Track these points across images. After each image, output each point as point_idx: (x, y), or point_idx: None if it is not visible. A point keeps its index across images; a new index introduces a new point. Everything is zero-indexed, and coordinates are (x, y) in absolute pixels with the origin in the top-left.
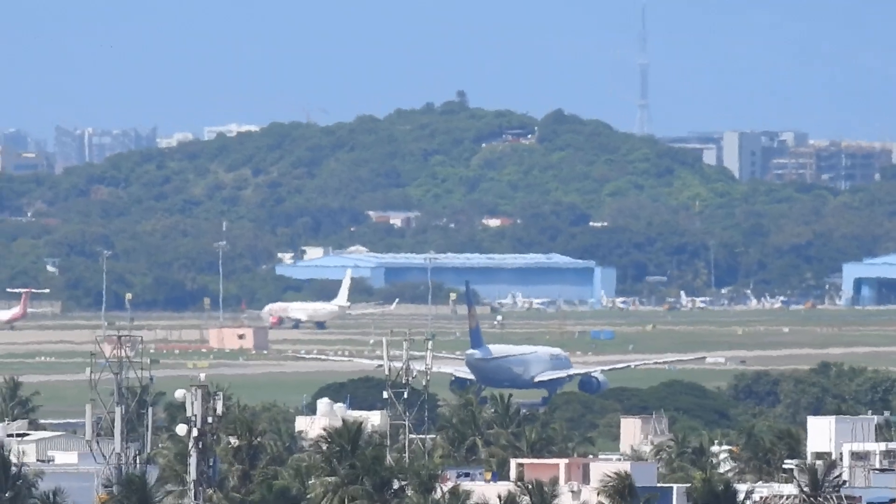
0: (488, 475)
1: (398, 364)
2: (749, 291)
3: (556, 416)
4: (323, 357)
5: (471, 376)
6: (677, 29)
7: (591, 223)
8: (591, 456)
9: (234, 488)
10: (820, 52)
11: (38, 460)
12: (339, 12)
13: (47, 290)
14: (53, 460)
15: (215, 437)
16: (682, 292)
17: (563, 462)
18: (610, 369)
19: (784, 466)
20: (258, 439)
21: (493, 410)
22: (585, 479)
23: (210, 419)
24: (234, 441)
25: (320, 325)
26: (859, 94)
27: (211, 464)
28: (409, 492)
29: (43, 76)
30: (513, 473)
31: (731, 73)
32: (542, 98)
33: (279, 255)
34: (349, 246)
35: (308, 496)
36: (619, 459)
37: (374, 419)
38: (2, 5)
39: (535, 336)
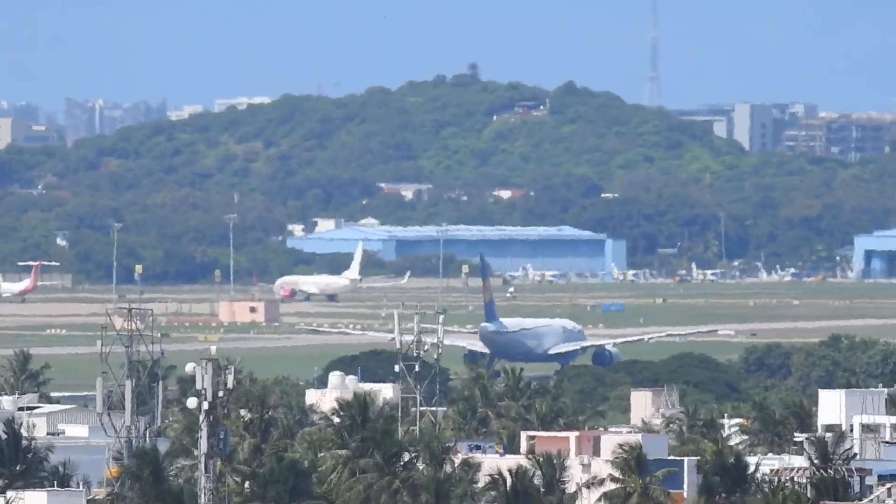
0: (499, 448)
1: (410, 337)
2: (759, 264)
3: (566, 388)
4: (334, 330)
5: (484, 350)
6: (688, 1)
7: (601, 195)
8: (601, 429)
9: (246, 461)
10: (830, 23)
11: (48, 433)
12: None
13: (57, 263)
14: (64, 433)
15: (226, 410)
16: (693, 264)
17: (573, 435)
18: (623, 342)
19: (794, 439)
20: (270, 412)
21: (503, 384)
22: (596, 451)
23: (221, 392)
24: (245, 414)
25: (332, 298)
26: (870, 66)
27: (222, 437)
28: (420, 464)
29: (54, 49)
30: (524, 446)
31: (742, 45)
32: (553, 70)
33: (290, 227)
34: (360, 218)
35: (319, 469)
36: (630, 432)
37: (385, 392)
38: None
39: (547, 308)
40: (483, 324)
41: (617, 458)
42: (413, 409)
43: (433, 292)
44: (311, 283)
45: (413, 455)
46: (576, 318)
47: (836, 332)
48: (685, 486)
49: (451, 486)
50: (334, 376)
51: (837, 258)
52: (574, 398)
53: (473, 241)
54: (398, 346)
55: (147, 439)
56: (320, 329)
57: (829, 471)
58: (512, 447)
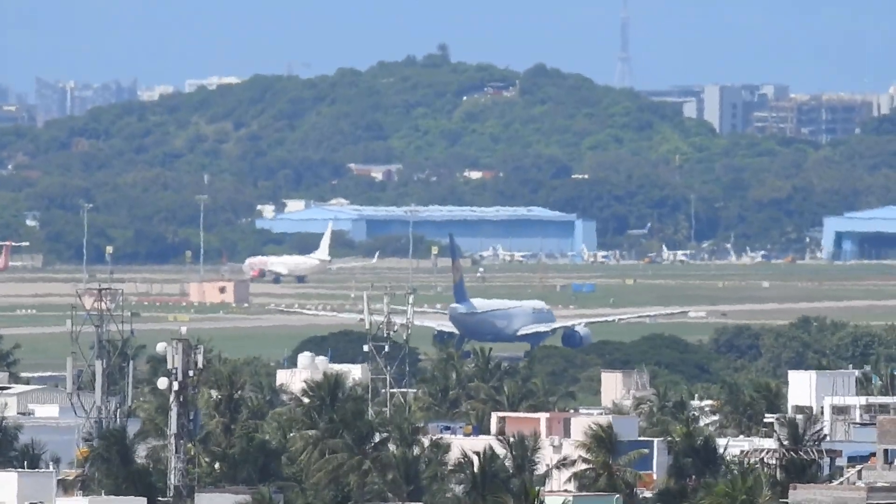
0: (468, 429)
1: (380, 318)
2: (729, 245)
3: (537, 370)
4: (304, 311)
5: (454, 330)
6: None
7: (571, 176)
8: (572, 410)
9: (216, 442)
10: (801, 4)
11: (18, 413)
12: None
13: (28, 244)
14: (34, 413)
15: (197, 390)
16: (663, 245)
17: (544, 416)
18: (593, 323)
19: (765, 420)
20: (239, 392)
21: (473, 364)
22: (566, 433)
23: (191, 372)
24: (214, 394)
25: (301, 278)
26: (841, 47)
27: (192, 417)
28: (391, 445)
29: (24, 29)
30: (493, 427)
31: (712, 26)
32: (523, 52)
33: (260, 207)
34: (330, 199)
35: (290, 449)
36: (601, 413)
37: (355, 373)
38: None
39: (517, 289)
40: (452, 304)
41: (587, 439)
42: (383, 389)
43: (403, 272)
44: (281, 263)
45: (383, 436)
46: (546, 299)
47: (806, 313)
48: (655, 467)
49: (420, 466)
50: (304, 357)
51: (807, 240)
52: (544, 379)
53: (443, 222)
54: (367, 326)
55: (117, 419)
56: (290, 310)
57: (800, 452)
58: (482, 428)
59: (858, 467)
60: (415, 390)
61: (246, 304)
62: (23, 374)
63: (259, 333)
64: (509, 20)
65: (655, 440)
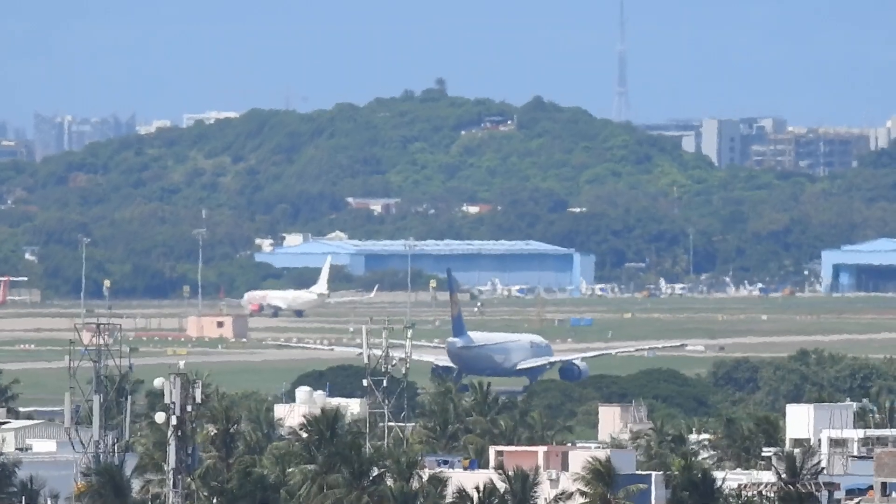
0: (466, 463)
1: (378, 352)
2: (728, 278)
3: (535, 403)
4: (302, 345)
5: (452, 364)
6: (656, 16)
7: (569, 209)
8: (569, 444)
9: (214, 476)
10: (798, 38)
11: (16, 448)
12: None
13: (26, 278)
14: (32, 448)
15: (195, 425)
16: (662, 279)
17: (541, 450)
18: (590, 356)
19: (763, 454)
20: (235, 427)
21: (472, 398)
22: (564, 466)
23: (189, 407)
24: (211, 429)
25: (299, 312)
26: (838, 80)
27: (190, 452)
28: (388, 480)
29: (23, 64)
30: (491, 461)
31: (710, 59)
32: (520, 85)
33: (258, 241)
34: (329, 233)
35: (289, 483)
36: (599, 447)
37: (353, 407)
38: None
39: (515, 323)
40: (450, 339)
41: (585, 473)
42: (381, 423)
43: (401, 307)
44: (279, 297)
45: (381, 470)
46: (544, 333)
47: (805, 346)
48: (653, 501)
49: (418, 500)
50: (302, 391)
51: (805, 273)
52: (542, 413)
53: (441, 256)
54: (366, 360)
55: (115, 454)
56: (288, 344)
57: (797, 486)
58: (480, 462)
59: (856, 500)
60: (413, 424)
61: (244, 339)
62: (21, 409)
63: (257, 368)
64: (506, 54)
65: (654, 474)
